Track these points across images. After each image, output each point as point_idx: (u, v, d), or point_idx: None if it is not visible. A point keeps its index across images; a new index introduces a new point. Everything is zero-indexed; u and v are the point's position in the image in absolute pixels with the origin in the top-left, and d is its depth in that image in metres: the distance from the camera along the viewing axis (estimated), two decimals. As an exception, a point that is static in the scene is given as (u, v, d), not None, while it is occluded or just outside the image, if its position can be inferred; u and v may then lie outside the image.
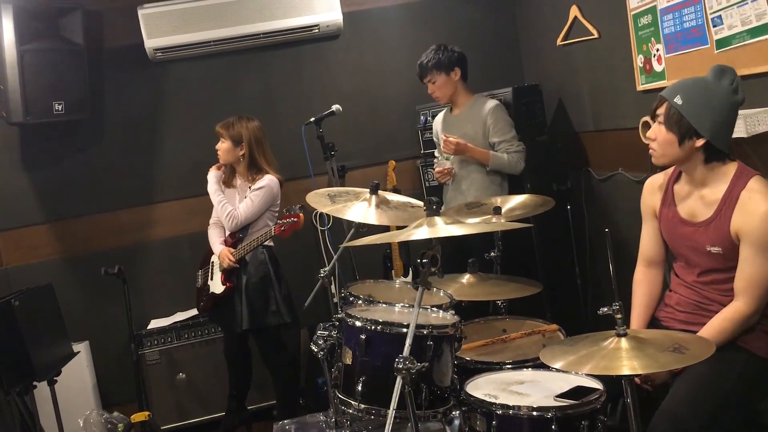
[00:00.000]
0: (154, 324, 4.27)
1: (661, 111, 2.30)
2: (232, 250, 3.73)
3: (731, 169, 2.27)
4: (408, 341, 2.00)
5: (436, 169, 3.86)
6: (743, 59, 2.58)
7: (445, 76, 3.73)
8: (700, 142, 2.23)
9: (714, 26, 2.70)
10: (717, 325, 2.24)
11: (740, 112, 2.51)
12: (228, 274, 3.74)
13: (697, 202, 2.32)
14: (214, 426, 4.07)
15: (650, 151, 2.37)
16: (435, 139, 4.02)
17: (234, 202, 3.79)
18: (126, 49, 4.31)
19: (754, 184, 2.20)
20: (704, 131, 2.21)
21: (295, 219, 3.52)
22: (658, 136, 2.32)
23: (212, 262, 3.88)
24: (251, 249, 3.69)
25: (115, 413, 4.11)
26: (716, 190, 2.27)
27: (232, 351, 3.88)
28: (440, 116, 3.97)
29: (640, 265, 2.58)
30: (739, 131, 2.50)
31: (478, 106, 3.77)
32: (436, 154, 4.03)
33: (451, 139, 3.64)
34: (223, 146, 3.78)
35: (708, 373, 2.16)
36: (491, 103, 3.75)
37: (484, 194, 3.66)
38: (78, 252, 4.39)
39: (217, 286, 3.78)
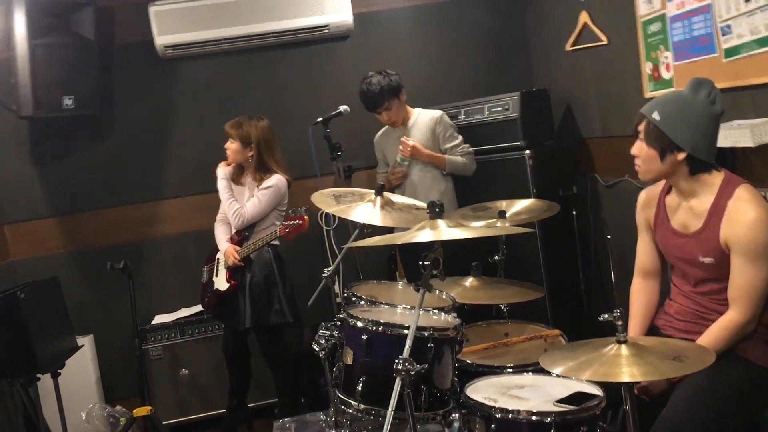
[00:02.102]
0: (158, 319, 4.29)
1: (641, 127, 2.33)
2: (238, 248, 3.74)
3: (718, 179, 2.27)
4: (408, 343, 2.01)
5: (391, 171, 3.91)
6: (752, 69, 2.58)
7: (397, 100, 3.82)
8: (681, 156, 2.24)
9: (723, 35, 2.69)
10: (714, 335, 2.24)
11: (747, 122, 2.52)
12: (233, 271, 3.75)
13: (687, 214, 2.33)
14: (215, 422, 4.08)
15: (636, 167, 2.39)
16: (378, 155, 4.13)
17: (242, 200, 3.80)
18: (136, 46, 4.33)
19: (741, 192, 2.20)
20: (684, 144, 2.23)
21: (300, 221, 3.53)
22: (640, 153, 2.34)
23: (218, 259, 3.90)
24: (257, 248, 3.71)
25: (118, 407, 4.14)
26: (704, 201, 2.27)
27: (231, 348, 3.89)
28: (383, 133, 4.07)
29: (636, 276, 2.59)
30: (746, 141, 2.50)
31: (422, 118, 3.89)
32: (379, 170, 4.14)
33: (409, 142, 3.75)
34: (232, 146, 3.79)
35: (707, 381, 2.16)
36: (436, 113, 3.89)
37: (442, 198, 3.76)
38: (84, 246, 4.41)
39: (221, 283, 3.80)
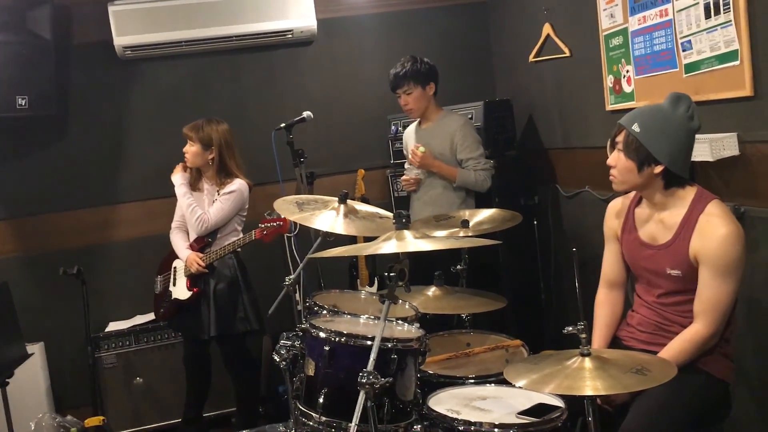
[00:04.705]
0: (113, 327, 4.18)
1: (619, 138, 2.34)
2: (201, 254, 3.65)
3: (690, 193, 2.30)
4: (372, 356, 1.98)
5: (404, 177, 3.84)
6: (711, 84, 2.63)
7: (421, 89, 3.67)
8: (658, 169, 2.27)
9: (683, 50, 2.74)
10: (677, 347, 2.26)
11: (706, 136, 2.56)
12: (194, 279, 3.66)
13: (657, 226, 2.36)
14: (170, 432, 4.00)
15: (611, 177, 2.40)
16: (405, 151, 4.01)
17: (203, 206, 3.71)
18: (94, 46, 4.24)
19: (713, 208, 2.24)
20: (662, 158, 2.25)
21: (280, 222, 3.46)
22: (617, 163, 2.35)
23: (174, 268, 3.79)
24: (224, 254, 3.63)
25: (69, 417, 4.01)
26: (675, 214, 2.30)
27: (193, 358, 3.80)
28: (411, 128, 3.95)
29: (602, 286, 2.61)
30: (705, 155, 2.55)
31: (446, 121, 3.74)
32: (407, 165, 4.03)
33: (419, 150, 3.64)
34: (191, 150, 3.70)
35: (667, 394, 2.18)
36: (460, 119, 3.74)
37: (450, 208, 3.66)
38: (37, 251, 4.29)
39: (181, 291, 3.69)
